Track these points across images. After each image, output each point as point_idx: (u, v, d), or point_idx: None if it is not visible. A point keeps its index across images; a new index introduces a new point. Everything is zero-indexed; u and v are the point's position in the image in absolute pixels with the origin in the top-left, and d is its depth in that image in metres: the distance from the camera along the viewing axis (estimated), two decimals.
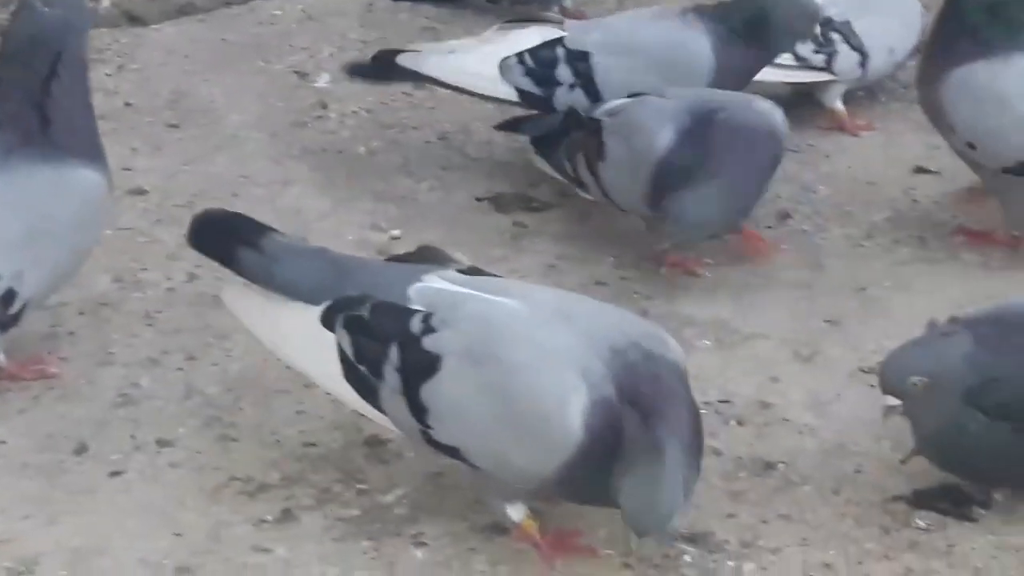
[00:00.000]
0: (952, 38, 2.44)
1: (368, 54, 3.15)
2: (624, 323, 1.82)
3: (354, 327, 1.85)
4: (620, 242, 2.70)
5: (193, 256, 2.33)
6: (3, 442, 2.10)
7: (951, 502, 1.99)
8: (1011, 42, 2.41)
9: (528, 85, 2.77)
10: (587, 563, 1.86)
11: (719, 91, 2.68)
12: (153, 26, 3.59)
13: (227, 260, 1.99)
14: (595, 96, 2.72)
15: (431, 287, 1.85)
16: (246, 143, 3.08)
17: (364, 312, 1.84)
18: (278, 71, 3.40)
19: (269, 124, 3.15)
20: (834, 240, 2.81)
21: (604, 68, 2.73)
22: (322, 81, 3.32)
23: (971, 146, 2.47)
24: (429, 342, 1.76)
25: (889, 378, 1.86)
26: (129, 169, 2.66)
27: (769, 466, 2.07)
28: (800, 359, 2.40)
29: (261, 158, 3.01)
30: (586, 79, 2.72)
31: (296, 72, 3.38)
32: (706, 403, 2.20)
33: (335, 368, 1.86)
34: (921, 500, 1.98)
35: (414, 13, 3.69)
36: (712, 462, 2.07)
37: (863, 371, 2.32)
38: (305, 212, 2.82)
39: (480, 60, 2.83)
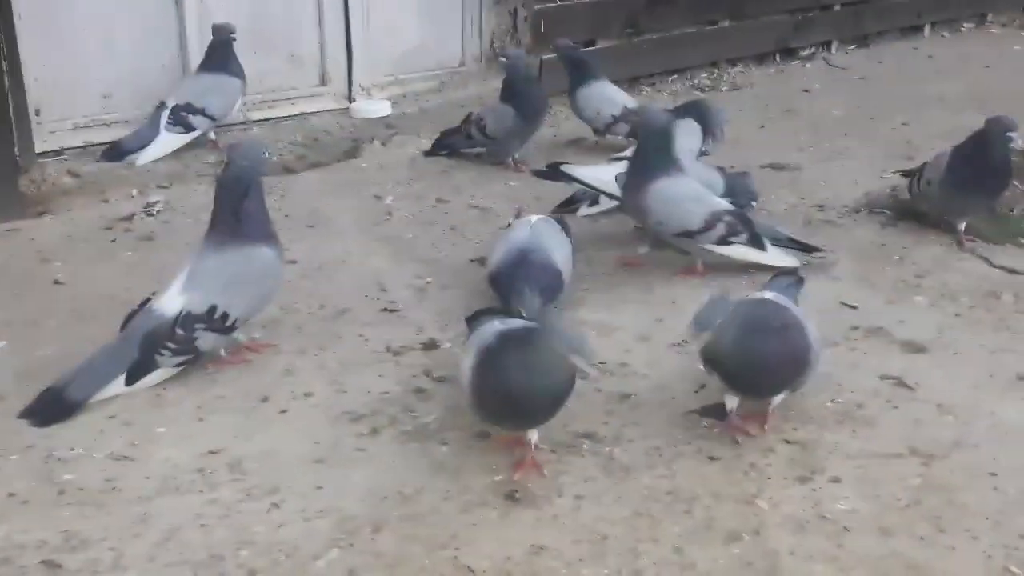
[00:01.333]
0: (645, 166, 3.16)
1: (414, 189, 4.03)
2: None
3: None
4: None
5: (318, 299, 3.06)
6: (222, 396, 2.58)
7: (716, 413, 2.48)
8: (672, 168, 3.15)
9: None
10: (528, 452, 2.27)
11: None
12: (300, 173, 4.19)
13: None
14: None
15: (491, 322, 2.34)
16: (348, 234, 3.61)
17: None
18: (365, 195, 3.95)
19: (360, 224, 3.70)
20: (661, 274, 3.30)
21: None
22: (388, 200, 3.91)
23: (659, 223, 3.18)
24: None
25: (694, 326, 2.36)
26: (288, 249, 3.00)
27: (625, 396, 2.57)
28: (642, 339, 2.88)
29: (356, 242, 3.54)
30: None
31: (375, 196, 3.95)
32: (598, 364, 2.46)
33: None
34: (705, 411, 2.51)
35: (437, 162, 4.34)
36: (596, 395, 2.56)
37: (676, 345, 2.84)
38: (379, 271, 3.30)
39: (604, 172, 3.50)
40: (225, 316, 2.62)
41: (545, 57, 4.85)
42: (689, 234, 3.20)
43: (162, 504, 2.17)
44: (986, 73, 6.31)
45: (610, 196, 3.51)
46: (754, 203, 3.65)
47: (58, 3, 3.90)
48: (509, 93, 4.20)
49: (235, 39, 4.09)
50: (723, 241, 3.23)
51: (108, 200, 3.81)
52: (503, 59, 4.32)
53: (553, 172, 3.61)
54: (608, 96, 4.44)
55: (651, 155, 3.20)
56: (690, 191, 3.23)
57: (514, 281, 2.84)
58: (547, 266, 2.94)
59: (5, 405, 2.51)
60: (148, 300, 2.66)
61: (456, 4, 5.04)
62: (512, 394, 2.14)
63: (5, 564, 1.98)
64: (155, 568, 1.98)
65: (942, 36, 7.37)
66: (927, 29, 7.39)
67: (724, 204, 3.28)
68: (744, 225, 3.24)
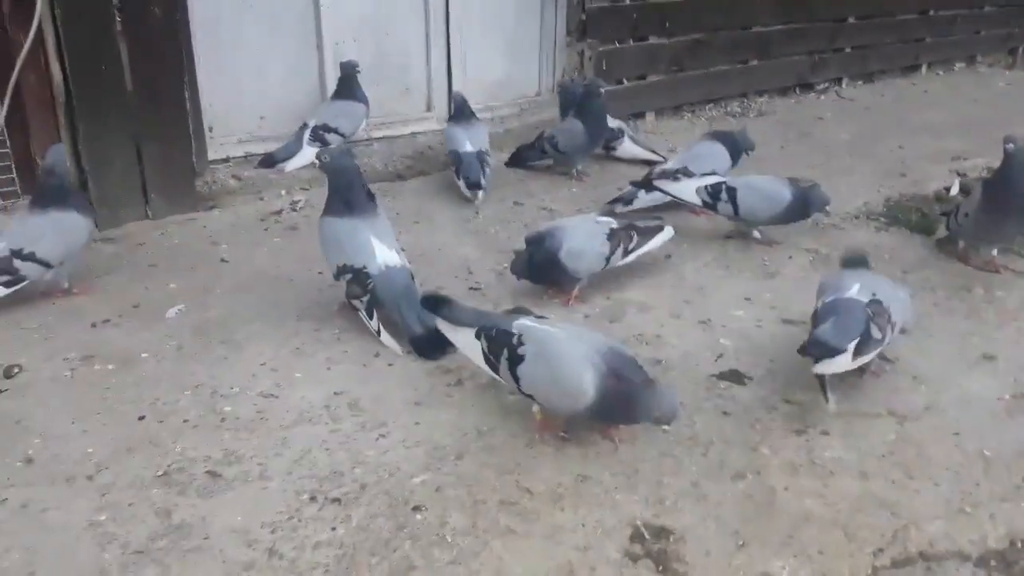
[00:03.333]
0: None
1: (497, 193, 3.91)
2: (604, 339, 2.13)
3: (487, 339, 2.20)
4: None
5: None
6: (345, 351, 2.57)
7: (734, 378, 2.48)
8: None
9: (707, 198, 3.35)
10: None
11: None
12: (408, 180, 4.19)
13: (439, 312, 2.32)
14: (736, 208, 3.31)
15: (522, 323, 2.18)
16: (445, 229, 3.61)
17: (492, 333, 2.19)
18: (458, 199, 3.90)
19: (454, 221, 3.70)
20: (693, 265, 3.27)
21: (742, 196, 3.32)
22: (477, 201, 3.85)
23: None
24: (520, 348, 2.10)
25: None
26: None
27: (657, 361, 2.58)
28: (673, 317, 2.87)
29: (450, 235, 3.54)
30: (733, 199, 3.32)
31: (466, 198, 3.88)
32: (636, 336, 2.70)
33: (480, 357, 2.22)
34: (722, 375, 2.48)
35: (515, 172, 4.31)
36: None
37: (701, 322, 2.82)
38: (468, 258, 3.30)
39: (690, 187, 3.43)
40: (352, 271, 2.61)
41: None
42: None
43: (297, 431, 2.24)
44: (972, 106, 6.13)
45: (692, 205, 3.47)
46: (828, 209, 3.47)
47: (226, 48, 3.99)
48: (581, 114, 4.09)
49: (359, 71, 4.14)
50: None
51: (263, 198, 3.91)
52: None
53: (647, 185, 3.61)
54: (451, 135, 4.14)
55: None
56: None
57: None
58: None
59: (182, 353, 2.62)
60: None
61: (535, 45, 5.02)
62: (637, 407, 2.06)
63: (180, 472, 2.08)
64: (291, 479, 2.05)
65: (937, 74, 7.18)
66: (924, 68, 7.20)
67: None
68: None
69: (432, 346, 2.55)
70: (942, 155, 4.83)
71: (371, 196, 2.72)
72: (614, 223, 3.02)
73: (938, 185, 4.26)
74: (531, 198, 4.03)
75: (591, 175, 4.26)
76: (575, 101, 4.16)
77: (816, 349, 2.23)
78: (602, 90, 4.10)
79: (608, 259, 2.93)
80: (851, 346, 2.22)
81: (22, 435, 2.19)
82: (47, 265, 2.79)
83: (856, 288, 2.39)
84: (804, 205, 3.33)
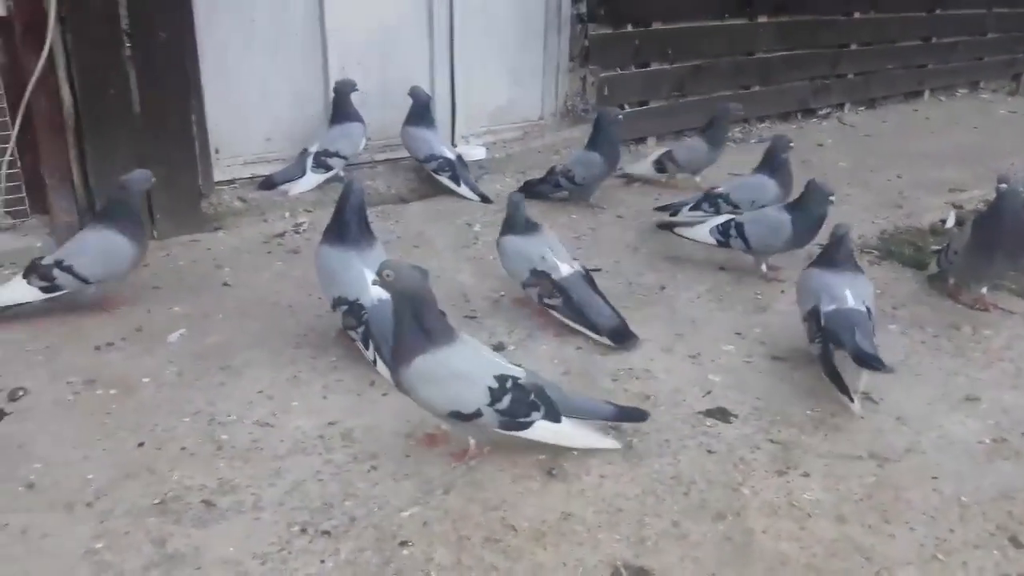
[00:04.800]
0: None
1: (498, 218, 3.30)
2: (498, 358, 2.20)
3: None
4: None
5: None
6: (341, 380, 2.59)
7: (720, 415, 2.51)
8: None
9: (719, 237, 3.44)
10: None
11: None
12: (411, 203, 4.24)
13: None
14: (746, 241, 3.38)
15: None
16: (443, 254, 3.63)
17: None
18: (459, 223, 3.98)
19: (453, 246, 3.72)
20: (687, 297, 3.29)
21: (749, 229, 3.39)
22: (476, 228, 3.94)
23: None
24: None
25: None
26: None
27: (646, 396, 2.59)
28: (664, 351, 2.88)
29: (449, 260, 3.55)
30: (741, 233, 3.39)
31: (467, 223, 3.98)
32: (626, 370, 2.71)
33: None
34: (709, 413, 2.49)
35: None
36: (623, 394, 2.57)
37: (691, 356, 2.84)
38: (464, 285, 3.32)
39: (703, 230, 3.51)
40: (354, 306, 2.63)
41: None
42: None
43: (291, 462, 2.27)
44: (972, 133, 6.16)
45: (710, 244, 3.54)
46: (832, 199, 3.32)
47: (233, 71, 4.05)
48: (596, 143, 4.11)
49: (357, 90, 4.16)
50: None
51: (267, 220, 3.97)
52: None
53: (667, 227, 3.72)
54: (425, 139, 4.29)
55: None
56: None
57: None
58: None
59: (182, 379, 2.67)
60: None
61: (538, 71, 5.08)
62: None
63: (176, 501, 2.12)
64: (284, 510, 2.09)
65: (939, 100, 7.21)
66: (926, 94, 7.24)
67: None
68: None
69: None
70: (940, 186, 4.87)
71: (368, 227, 2.76)
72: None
73: (934, 217, 4.31)
74: None
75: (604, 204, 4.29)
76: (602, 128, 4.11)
77: (868, 362, 2.46)
78: (620, 117, 4.15)
79: None
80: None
81: (24, 460, 2.25)
82: (84, 280, 2.87)
83: (850, 296, 2.62)
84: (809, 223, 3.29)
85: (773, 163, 3.81)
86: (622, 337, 2.87)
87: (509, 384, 2.16)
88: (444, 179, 4.29)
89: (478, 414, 2.15)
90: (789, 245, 3.38)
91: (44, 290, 2.86)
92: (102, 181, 3.48)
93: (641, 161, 4.68)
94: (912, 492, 2.24)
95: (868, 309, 2.62)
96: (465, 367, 2.16)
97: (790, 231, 3.31)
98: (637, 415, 2.33)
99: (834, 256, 2.77)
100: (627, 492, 2.20)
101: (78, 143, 3.47)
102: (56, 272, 2.85)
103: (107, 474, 2.21)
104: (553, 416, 2.21)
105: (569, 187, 4.20)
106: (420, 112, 4.27)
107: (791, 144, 3.89)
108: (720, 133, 4.39)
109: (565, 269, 2.94)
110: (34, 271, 2.87)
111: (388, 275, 2.11)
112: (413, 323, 2.12)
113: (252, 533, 2.02)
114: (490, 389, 2.15)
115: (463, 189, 4.22)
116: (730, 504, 2.17)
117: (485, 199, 4.24)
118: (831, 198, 3.26)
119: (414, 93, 4.27)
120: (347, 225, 2.67)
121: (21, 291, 2.84)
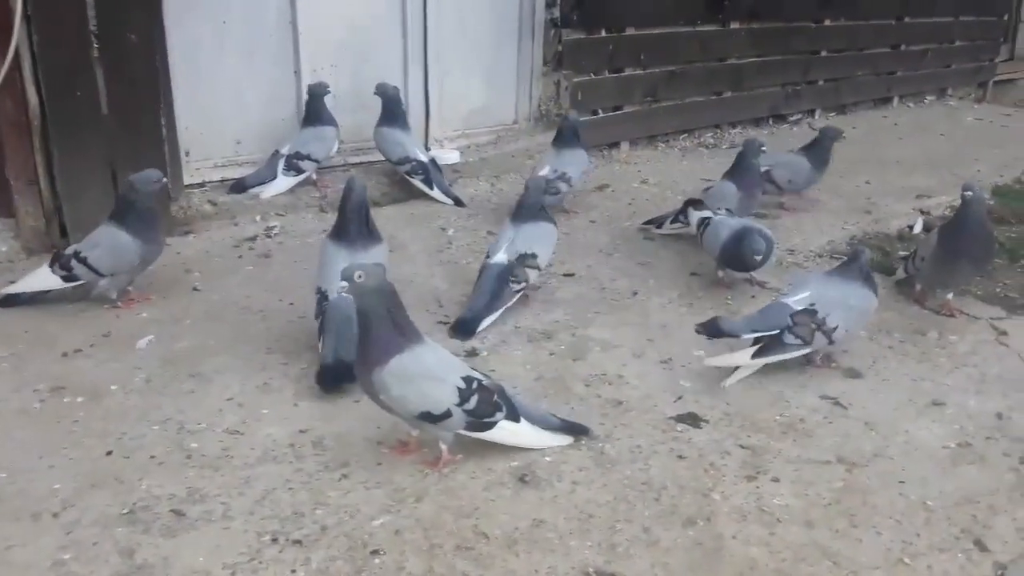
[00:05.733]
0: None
1: (471, 223, 3.99)
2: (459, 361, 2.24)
3: None
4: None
5: None
6: (312, 387, 2.56)
7: (691, 420, 2.50)
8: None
9: (696, 230, 3.53)
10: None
11: None
12: (384, 207, 4.18)
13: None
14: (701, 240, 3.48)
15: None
16: (417, 259, 3.63)
17: None
18: (433, 227, 4.00)
19: (427, 250, 3.72)
20: (659, 301, 3.31)
21: (706, 232, 3.47)
22: (450, 232, 3.96)
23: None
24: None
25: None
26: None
27: (618, 402, 2.60)
28: (636, 356, 2.90)
29: (422, 265, 3.56)
30: (702, 233, 3.50)
31: (441, 228, 4.00)
32: (598, 375, 2.73)
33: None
34: (680, 418, 2.51)
35: (488, 201, 4.33)
36: (596, 400, 2.59)
37: (662, 362, 2.85)
38: (438, 290, 3.33)
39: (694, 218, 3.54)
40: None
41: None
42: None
43: (262, 470, 2.25)
44: (940, 140, 6.27)
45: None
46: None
47: (204, 73, 4.03)
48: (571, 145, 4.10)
49: (330, 92, 4.13)
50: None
51: (238, 224, 3.94)
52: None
53: (683, 210, 3.77)
54: (399, 141, 4.26)
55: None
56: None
57: None
58: None
59: (151, 385, 2.65)
60: None
61: (512, 75, 5.10)
62: None
63: (144, 510, 2.10)
64: (254, 520, 2.08)
65: (908, 107, 7.33)
66: (895, 100, 7.35)
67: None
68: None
69: (331, 378, 2.57)
70: (908, 192, 4.94)
71: (369, 226, 2.82)
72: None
73: (902, 223, 4.36)
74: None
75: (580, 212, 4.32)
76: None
77: (705, 329, 2.70)
78: (764, 148, 3.97)
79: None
80: (749, 337, 2.68)
81: None
82: (97, 273, 3.00)
83: (801, 296, 2.76)
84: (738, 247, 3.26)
85: (742, 169, 3.89)
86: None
87: (475, 385, 2.19)
88: (417, 182, 4.29)
89: (448, 414, 2.15)
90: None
91: (64, 279, 3.00)
92: (69, 184, 3.45)
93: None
94: (879, 497, 2.27)
95: (812, 311, 2.73)
96: (437, 367, 2.18)
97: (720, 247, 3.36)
98: (579, 429, 2.39)
99: (846, 265, 2.93)
100: (598, 498, 2.21)
101: (44, 145, 3.42)
102: (74, 263, 2.99)
103: (74, 483, 2.18)
104: (513, 415, 2.25)
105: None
106: (392, 110, 4.24)
107: (763, 147, 3.94)
108: (824, 154, 4.30)
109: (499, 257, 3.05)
110: (57, 260, 3.02)
111: (359, 276, 2.08)
112: (388, 322, 2.09)
113: (222, 543, 2.00)
114: (459, 389, 2.17)
115: (436, 193, 4.23)
116: (700, 510, 2.18)
117: (459, 203, 4.23)
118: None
119: (381, 90, 4.22)
120: (346, 223, 2.76)
121: (45, 279, 3.01)
